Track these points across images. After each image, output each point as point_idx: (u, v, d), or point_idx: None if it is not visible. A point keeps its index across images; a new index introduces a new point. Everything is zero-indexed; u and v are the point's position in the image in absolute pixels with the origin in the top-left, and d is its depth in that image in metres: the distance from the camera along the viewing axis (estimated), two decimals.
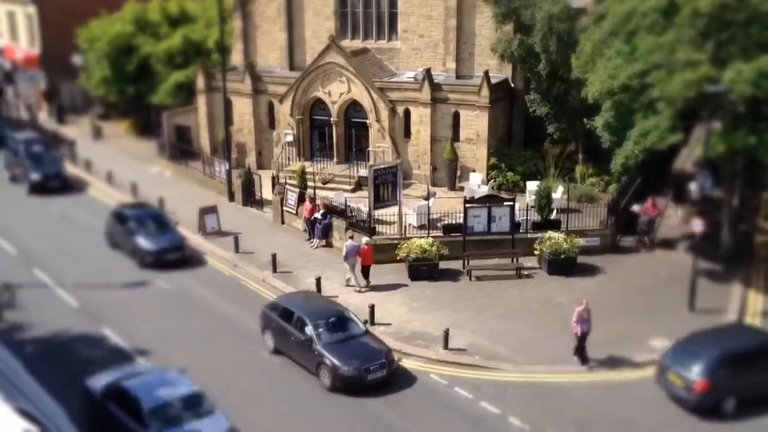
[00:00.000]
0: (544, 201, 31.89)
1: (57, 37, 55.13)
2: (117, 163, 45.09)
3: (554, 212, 32.42)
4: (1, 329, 26.61)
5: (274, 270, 30.68)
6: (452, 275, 29.95)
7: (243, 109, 43.01)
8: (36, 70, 57.80)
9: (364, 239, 30.06)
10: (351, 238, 30.29)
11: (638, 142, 27.30)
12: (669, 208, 35.09)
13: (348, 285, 29.35)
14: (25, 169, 42.39)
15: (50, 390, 22.94)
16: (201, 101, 44.74)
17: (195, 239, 34.40)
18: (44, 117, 56.19)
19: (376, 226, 32.18)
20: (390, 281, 29.60)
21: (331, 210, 33.55)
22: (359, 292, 29.03)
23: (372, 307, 26.40)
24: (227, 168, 39.36)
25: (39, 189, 41.59)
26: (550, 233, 30.22)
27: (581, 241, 30.12)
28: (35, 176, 41.81)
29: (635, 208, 32.47)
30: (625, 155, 28.44)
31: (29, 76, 58.09)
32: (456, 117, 37.71)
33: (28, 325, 26.97)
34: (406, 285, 29.33)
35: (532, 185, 34.40)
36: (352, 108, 40.20)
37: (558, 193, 33.48)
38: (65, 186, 42.19)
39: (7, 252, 34.08)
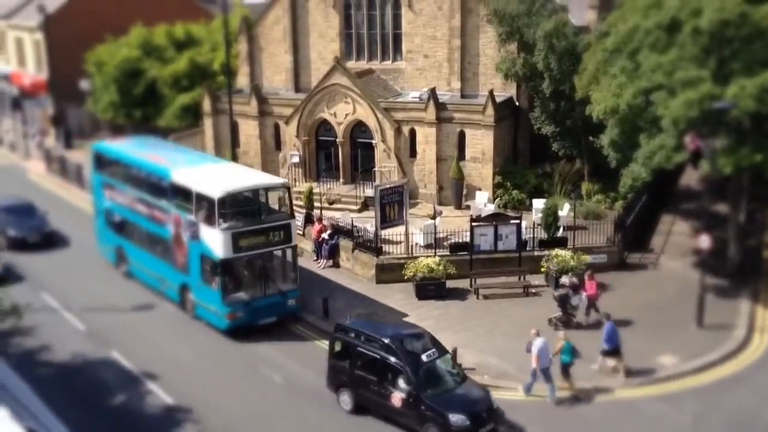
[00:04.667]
0: (550, 219, 31.95)
1: (64, 63, 55.65)
2: None
3: (561, 230, 32.44)
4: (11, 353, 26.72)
5: None
6: (459, 294, 29.98)
7: (249, 131, 43.25)
8: (44, 95, 58.27)
9: None
10: None
11: (645, 163, 27.30)
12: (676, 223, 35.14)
13: None
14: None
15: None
16: (207, 124, 45.01)
17: None
18: (51, 142, 56.51)
19: (383, 245, 32.25)
20: (396, 300, 29.64)
21: (338, 230, 33.64)
22: None
23: None
24: None
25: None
26: (557, 251, 30.24)
27: (588, 258, 30.12)
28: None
29: (563, 279, 27.71)
30: (632, 176, 28.49)
31: (37, 101, 58.56)
32: (461, 136, 37.84)
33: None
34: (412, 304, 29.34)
35: (538, 203, 34.44)
36: (358, 128, 40.38)
37: (564, 211, 33.50)
38: None
39: None
